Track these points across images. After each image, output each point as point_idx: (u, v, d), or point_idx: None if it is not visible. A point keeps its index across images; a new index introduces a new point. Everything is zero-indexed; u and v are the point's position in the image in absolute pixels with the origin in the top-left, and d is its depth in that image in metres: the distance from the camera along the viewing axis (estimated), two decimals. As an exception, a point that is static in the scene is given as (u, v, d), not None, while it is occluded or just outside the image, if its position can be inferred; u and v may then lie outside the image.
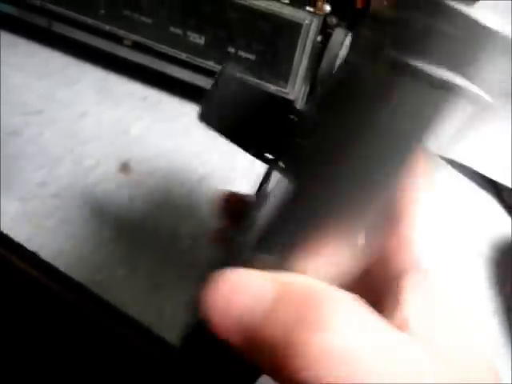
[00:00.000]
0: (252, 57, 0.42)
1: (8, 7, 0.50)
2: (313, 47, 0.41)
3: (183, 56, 0.44)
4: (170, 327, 0.32)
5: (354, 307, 0.13)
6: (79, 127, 0.45)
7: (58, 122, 0.45)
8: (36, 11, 0.49)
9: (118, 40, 0.47)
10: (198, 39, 0.44)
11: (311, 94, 0.45)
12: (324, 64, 0.43)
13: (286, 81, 0.42)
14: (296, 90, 0.42)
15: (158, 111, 0.47)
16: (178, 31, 0.44)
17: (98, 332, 0.38)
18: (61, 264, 0.35)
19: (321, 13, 0.40)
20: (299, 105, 0.43)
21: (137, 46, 0.46)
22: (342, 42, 0.43)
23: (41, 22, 0.49)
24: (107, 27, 0.46)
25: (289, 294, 0.14)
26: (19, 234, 0.37)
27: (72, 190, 0.39)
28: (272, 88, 0.43)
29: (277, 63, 0.42)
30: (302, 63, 0.41)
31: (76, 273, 0.34)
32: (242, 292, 0.14)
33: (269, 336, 0.13)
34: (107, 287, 0.34)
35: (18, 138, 0.43)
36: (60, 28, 0.49)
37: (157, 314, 0.33)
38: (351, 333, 0.12)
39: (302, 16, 0.39)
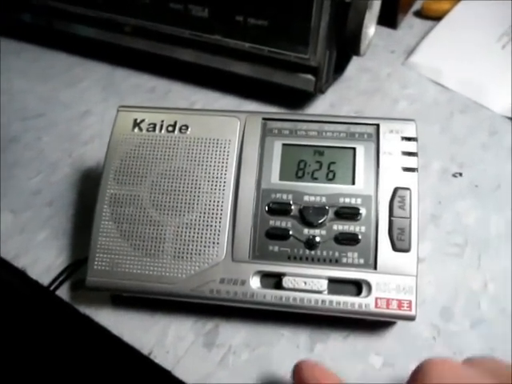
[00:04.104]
0: (264, 23, 0.36)
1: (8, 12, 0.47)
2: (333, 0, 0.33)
3: (186, 34, 0.38)
4: None
5: None
6: (80, 128, 0.40)
7: (59, 125, 0.40)
8: (35, 11, 0.45)
9: (119, 28, 0.42)
10: (201, 12, 0.37)
11: (339, 59, 0.37)
12: (351, 21, 0.35)
13: (306, 45, 0.34)
14: (318, 55, 0.34)
15: (167, 101, 0.41)
16: (179, 6, 0.38)
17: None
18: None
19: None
20: (324, 73, 0.35)
21: (138, 32, 0.41)
22: (372, -8, 0.35)
23: (41, 21, 0.45)
24: (106, 15, 0.42)
25: None
26: (9, 249, 0.32)
27: (66, 198, 0.34)
28: (292, 56, 0.35)
29: (293, 26, 0.35)
30: (322, 21, 0.33)
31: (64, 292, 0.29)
32: None
33: None
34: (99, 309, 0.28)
35: (17, 145, 0.39)
36: (60, 25, 0.45)
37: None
38: None
39: (316, -39, 0.32)
